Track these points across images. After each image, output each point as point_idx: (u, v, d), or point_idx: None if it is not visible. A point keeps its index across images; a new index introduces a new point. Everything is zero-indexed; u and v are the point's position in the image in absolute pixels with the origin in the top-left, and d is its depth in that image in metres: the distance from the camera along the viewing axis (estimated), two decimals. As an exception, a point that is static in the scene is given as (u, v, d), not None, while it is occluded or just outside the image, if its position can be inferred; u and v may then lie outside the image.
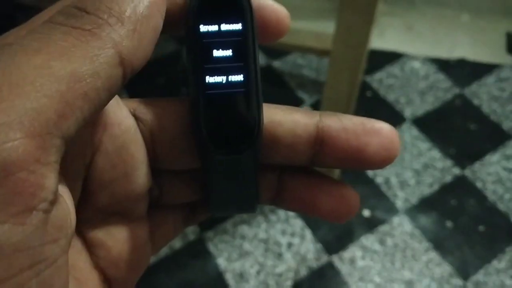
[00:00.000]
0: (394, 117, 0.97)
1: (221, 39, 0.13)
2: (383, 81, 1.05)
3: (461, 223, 0.83)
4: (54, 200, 0.10)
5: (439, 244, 0.80)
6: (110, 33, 0.10)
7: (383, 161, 0.13)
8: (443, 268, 0.77)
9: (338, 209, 0.14)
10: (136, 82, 1.06)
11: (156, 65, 1.05)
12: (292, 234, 0.82)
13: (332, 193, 0.14)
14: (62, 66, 0.10)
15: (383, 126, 0.13)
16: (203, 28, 0.13)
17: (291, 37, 0.87)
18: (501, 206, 0.85)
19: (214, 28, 0.13)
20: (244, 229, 0.82)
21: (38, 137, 0.09)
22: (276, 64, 1.05)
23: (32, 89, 0.09)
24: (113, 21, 0.11)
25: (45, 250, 0.09)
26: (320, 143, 0.13)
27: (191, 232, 0.81)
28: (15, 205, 0.09)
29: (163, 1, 0.12)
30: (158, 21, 0.12)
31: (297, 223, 0.83)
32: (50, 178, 0.09)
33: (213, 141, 0.13)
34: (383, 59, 1.08)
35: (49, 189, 0.09)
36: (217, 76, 0.13)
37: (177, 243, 0.80)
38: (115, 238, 0.14)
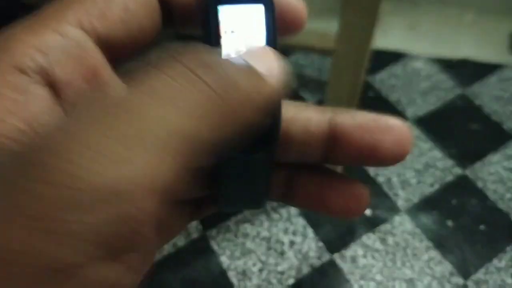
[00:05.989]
0: (396, 117, 0.98)
1: (239, 35, 0.12)
2: (385, 81, 1.05)
3: (462, 222, 0.83)
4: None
5: (440, 243, 0.81)
6: None
7: (395, 158, 0.13)
8: (444, 267, 0.78)
9: (347, 206, 0.14)
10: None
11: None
12: (294, 233, 0.82)
13: (342, 190, 0.14)
14: (197, 132, 0.10)
15: (396, 123, 0.13)
16: (218, 27, 0.12)
17: (294, 36, 0.87)
18: (502, 206, 0.85)
19: (231, 25, 0.12)
20: (247, 227, 0.83)
21: (159, 202, 0.09)
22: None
23: (164, 158, 0.09)
24: None
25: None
26: (333, 140, 0.13)
27: (195, 230, 0.82)
28: (122, 250, 0.09)
29: None
30: None
31: (299, 221, 0.83)
32: (152, 229, 0.10)
33: None
34: (386, 58, 1.08)
35: (149, 238, 0.10)
36: None
37: (180, 241, 0.80)
38: None
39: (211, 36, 0.12)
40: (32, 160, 0.09)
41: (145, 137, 0.09)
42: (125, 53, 0.13)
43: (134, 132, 0.09)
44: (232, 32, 0.12)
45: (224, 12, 0.12)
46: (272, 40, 0.13)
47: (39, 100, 0.11)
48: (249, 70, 0.11)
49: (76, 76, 0.12)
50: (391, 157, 0.13)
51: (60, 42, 0.11)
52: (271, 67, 0.12)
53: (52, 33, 0.11)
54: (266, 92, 0.11)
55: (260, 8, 0.12)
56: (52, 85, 0.11)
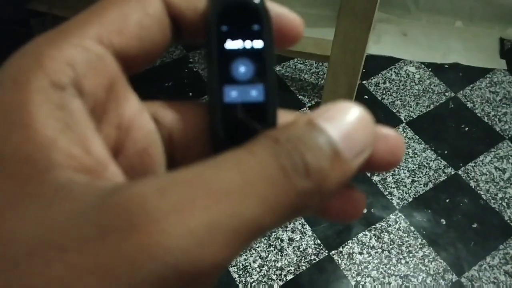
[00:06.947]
0: (390, 119, 0.99)
1: (240, 50, 0.13)
2: (380, 85, 1.07)
3: (455, 220, 0.85)
4: None
5: (434, 240, 0.82)
6: None
7: (389, 165, 0.13)
8: (438, 264, 0.79)
9: (345, 211, 0.14)
10: (145, 86, 1.08)
11: (164, 70, 1.08)
12: (293, 230, 0.83)
13: (340, 195, 0.14)
14: (268, 222, 0.10)
15: (390, 132, 0.13)
16: (222, 40, 0.13)
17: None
18: (494, 205, 0.87)
19: (233, 39, 0.13)
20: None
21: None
22: (278, 69, 1.08)
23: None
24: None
25: None
26: None
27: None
28: None
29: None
30: None
31: (298, 219, 0.85)
32: None
33: (230, 146, 0.12)
34: (380, 63, 1.10)
35: None
36: (236, 83, 0.13)
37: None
38: None
39: (212, 53, 0.13)
40: (133, 225, 0.09)
41: (223, 224, 0.10)
42: (138, 65, 0.13)
43: (217, 217, 0.10)
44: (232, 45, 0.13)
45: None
46: (270, 55, 0.13)
47: (79, 114, 0.11)
48: (334, 156, 0.11)
49: (98, 88, 0.12)
50: (384, 165, 0.13)
51: (83, 55, 0.12)
52: (360, 144, 0.12)
53: (76, 48, 0.12)
54: (338, 180, 0.11)
55: (258, 36, 0.13)
56: (81, 96, 0.12)
